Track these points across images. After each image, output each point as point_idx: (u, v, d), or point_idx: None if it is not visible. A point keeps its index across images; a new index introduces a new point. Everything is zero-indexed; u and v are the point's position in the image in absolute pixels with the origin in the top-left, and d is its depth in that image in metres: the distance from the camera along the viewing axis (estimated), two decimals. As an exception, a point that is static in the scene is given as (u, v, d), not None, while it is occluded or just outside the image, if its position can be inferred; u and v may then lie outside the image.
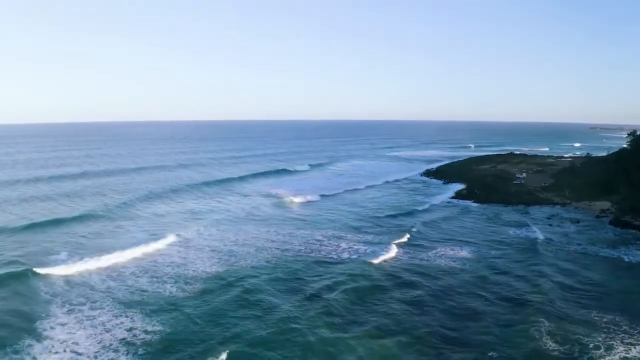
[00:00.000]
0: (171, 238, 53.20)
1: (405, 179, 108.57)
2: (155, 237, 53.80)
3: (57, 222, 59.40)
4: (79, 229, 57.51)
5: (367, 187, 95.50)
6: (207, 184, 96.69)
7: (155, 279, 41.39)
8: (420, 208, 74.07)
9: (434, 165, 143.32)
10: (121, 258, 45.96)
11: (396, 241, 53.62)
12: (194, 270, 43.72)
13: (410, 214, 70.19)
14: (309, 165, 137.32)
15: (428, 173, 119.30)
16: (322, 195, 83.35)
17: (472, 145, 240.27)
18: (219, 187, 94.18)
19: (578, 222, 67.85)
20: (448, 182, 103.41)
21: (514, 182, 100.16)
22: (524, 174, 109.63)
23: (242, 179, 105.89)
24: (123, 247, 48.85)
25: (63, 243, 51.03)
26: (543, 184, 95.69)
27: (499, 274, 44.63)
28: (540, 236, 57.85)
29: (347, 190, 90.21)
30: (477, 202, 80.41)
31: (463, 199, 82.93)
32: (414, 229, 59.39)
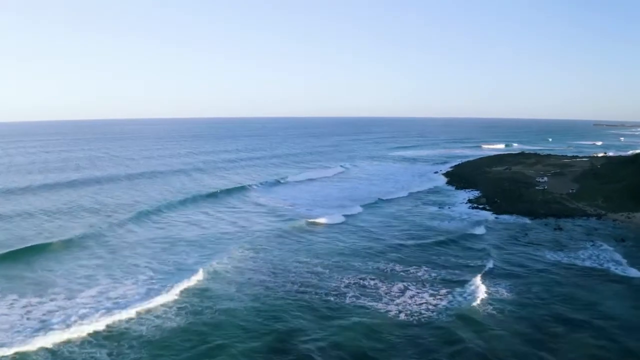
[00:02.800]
0: (176, 286, 38.96)
1: (431, 188, 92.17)
2: (154, 281, 40.60)
3: (22, 254, 46.70)
4: (49, 265, 44.52)
5: (398, 198, 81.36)
6: (228, 192, 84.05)
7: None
8: (470, 230, 59.44)
9: (445, 167, 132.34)
10: (106, 320, 32.81)
11: (474, 278, 41.75)
12: (217, 346, 30.41)
13: (464, 236, 56.62)
14: (341, 167, 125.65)
15: (448, 180, 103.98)
16: (362, 206, 71.75)
17: (482, 145, 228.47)
18: (241, 198, 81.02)
19: (623, 240, 56.45)
20: (462, 188, 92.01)
21: (536, 187, 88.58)
22: (545, 178, 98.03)
23: (267, 186, 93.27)
24: (109, 303, 36.16)
25: (17, 292, 38.21)
26: (570, 191, 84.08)
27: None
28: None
29: (381, 200, 77.91)
30: (500, 214, 69.03)
31: (483, 210, 71.56)
32: (488, 264, 46.02)
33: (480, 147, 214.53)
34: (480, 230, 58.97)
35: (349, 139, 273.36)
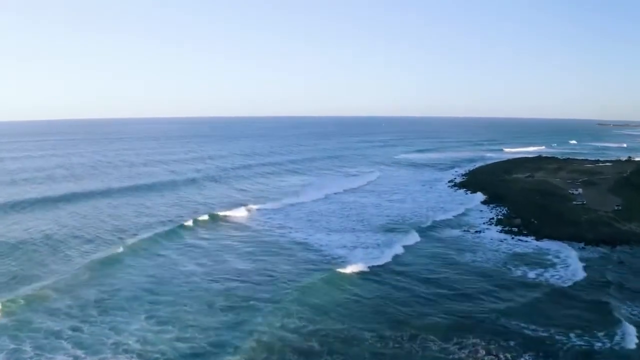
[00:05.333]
0: None
1: (467, 209, 72.16)
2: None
3: None
4: None
5: (441, 221, 63.60)
6: (238, 213, 66.66)
7: None
8: (514, 272, 43.81)
9: (458, 173, 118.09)
10: None
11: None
12: None
13: (508, 284, 40.88)
14: (361, 178, 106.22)
15: (466, 191, 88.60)
16: (421, 232, 56.78)
17: (504, 148, 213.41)
18: (254, 222, 63.22)
19: None
20: (486, 203, 77.17)
21: (573, 202, 73.79)
22: (580, 190, 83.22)
23: (284, 205, 73.59)
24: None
25: None
26: (615, 207, 69.32)
27: None
28: None
29: (424, 229, 59.03)
30: (542, 239, 54.62)
31: (520, 235, 56.88)
32: (554, 336, 30.89)
33: (493, 150, 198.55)
34: (528, 271, 44.30)
35: (356, 140, 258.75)
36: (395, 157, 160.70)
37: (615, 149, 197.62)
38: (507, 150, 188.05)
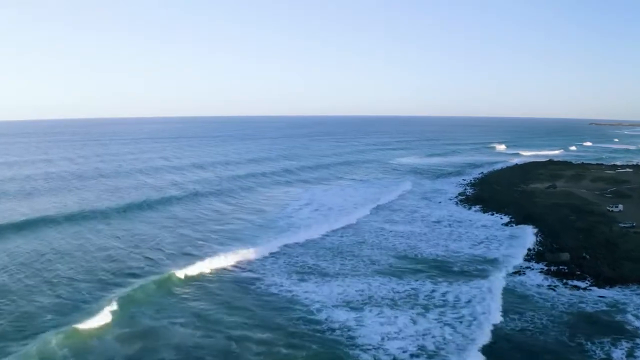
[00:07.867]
0: None
1: (492, 237, 56.36)
2: None
3: None
4: None
5: (464, 257, 48.55)
6: (258, 271, 45.31)
7: None
8: None
9: (468, 180, 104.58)
10: None
11: None
12: None
13: None
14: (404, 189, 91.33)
15: (484, 208, 73.81)
16: (437, 277, 41.27)
17: (504, 146, 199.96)
18: (275, 274, 44.19)
19: None
20: (509, 224, 62.81)
21: (620, 224, 59.05)
22: (620, 206, 68.66)
23: (316, 242, 54.62)
24: None
25: None
26: (676, 232, 54.89)
27: None
28: None
29: (440, 272, 43.55)
30: (603, 287, 40.11)
31: (573, 279, 42.23)
32: None
33: (494, 149, 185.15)
34: (612, 349, 29.55)
35: (358, 140, 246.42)
36: (392, 161, 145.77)
37: (636, 152, 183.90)
38: (524, 153, 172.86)
